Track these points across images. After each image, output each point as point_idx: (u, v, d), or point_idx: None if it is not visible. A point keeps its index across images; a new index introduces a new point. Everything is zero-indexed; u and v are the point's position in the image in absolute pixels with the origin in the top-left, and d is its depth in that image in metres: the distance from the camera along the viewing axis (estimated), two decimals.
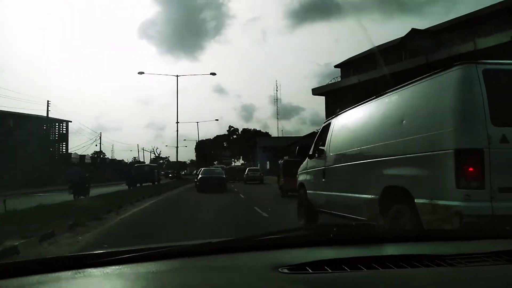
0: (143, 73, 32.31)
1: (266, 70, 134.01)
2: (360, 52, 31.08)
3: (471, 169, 3.28)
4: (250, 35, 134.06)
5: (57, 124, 41.76)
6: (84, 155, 44.14)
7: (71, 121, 43.33)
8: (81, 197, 15.68)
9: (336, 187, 5.78)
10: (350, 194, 5.23)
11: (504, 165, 3.27)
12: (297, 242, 1.33)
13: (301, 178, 7.60)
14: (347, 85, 26.59)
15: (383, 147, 4.43)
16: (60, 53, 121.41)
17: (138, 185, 27.49)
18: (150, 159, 76.56)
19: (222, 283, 0.94)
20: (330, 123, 6.40)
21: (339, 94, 26.33)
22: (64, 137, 43.05)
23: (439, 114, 3.59)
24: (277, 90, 78.30)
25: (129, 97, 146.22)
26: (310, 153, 6.96)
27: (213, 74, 34.55)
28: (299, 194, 7.72)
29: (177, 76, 33.66)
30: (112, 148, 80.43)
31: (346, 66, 32.58)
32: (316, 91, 32.85)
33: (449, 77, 3.57)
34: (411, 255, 1.13)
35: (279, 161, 20.31)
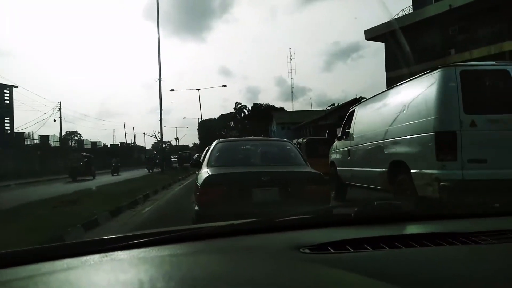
0: None
1: (272, 50, 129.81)
2: None
3: (447, 146, 4.44)
4: (258, 13, 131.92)
5: None
6: (22, 132, 31.39)
7: (17, 86, 30.78)
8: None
9: (358, 163, 7.01)
10: (368, 169, 6.45)
11: (473, 143, 4.39)
12: (318, 222, 1.33)
13: (332, 157, 8.85)
14: (426, 18, 19.59)
15: (391, 130, 5.61)
16: (62, 35, 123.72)
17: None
18: (152, 144, 68.84)
19: (243, 264, 0.94)
20: (354, 110, 7.58)
21: (409, 35, 19.15)
22: (7, 110, 30.36)
23: (427, 105, 4.73)
24: (291, 59, 71.24)
25: (134, 81, 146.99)
26: (339, 135, 8.18)
27: None
28: (331, 171, 8.99)
29: None
30: (113, 133, 79.09)
31: None
32: (371, 34, 23.84)
33: (434, 77, 4.69)
34: (434, 233, 1.11)
35: (298, 140, 14.12)
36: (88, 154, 26.29)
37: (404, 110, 5.29)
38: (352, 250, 0.99)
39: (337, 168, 8.31)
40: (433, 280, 0.80)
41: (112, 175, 25.50)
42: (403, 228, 1.24)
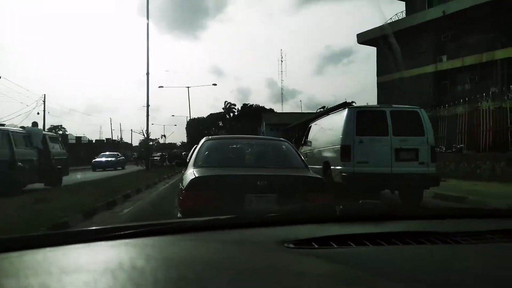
0: None
1: (265, 51, 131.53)
2: None
3: (346, 153, 7.78)
4: (252, 14, 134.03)
5: None
6: (2, 124, 24.52)
7: None
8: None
9: (310, 163, 10.34)
10: (314, 166, 9.80)
11: (360, 152, 7.72)
12: (303, 219, 1.36)
13: None
14: (419, 23, 20.57)
15: (324, 142, 8.98)
16: (54, 31, 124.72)
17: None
18: (139, 141, 66.70)
19: (227, 256, 0.95)
20: (311, 125, 10.96)
21: (402, 40, 19.72)
22: None
23: (339, 129, 8.08)
24: (282, 61, 72.71)
25: (124, 77, 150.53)
26: (302, 143, 11.55)
27: None
28: None
29: None
30: (100, 129, 74.61)
31: None
32: (363, 38, 24.78)
33: (343, 112, 8.05)
34: (417, 232, 1.15)
35: None
36: None
37: (330, 129, 8.66)
38: (335, 246, 1.02)
39: None
40: (414, 277, 0.83)
41: None
42: (386, 226, 1.25)
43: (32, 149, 12.04)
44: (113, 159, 31.73)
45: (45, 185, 12.72)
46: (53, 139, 14.14)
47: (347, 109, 8.03)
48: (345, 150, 7.79)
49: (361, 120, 7.81)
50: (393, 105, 8.16)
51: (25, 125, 14.39)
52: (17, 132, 11.93)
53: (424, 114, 7.89)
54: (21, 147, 11.39)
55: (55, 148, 13.77)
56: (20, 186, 11.26)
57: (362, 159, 7.73)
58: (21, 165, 11.00)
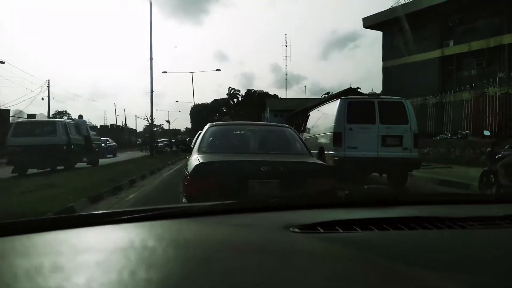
0: None
1: (269, 36, 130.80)
2: None
3: (337, 139, 8.65)
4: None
5: None
6: (8, 110, 27.15)
7: (3, 62, 27.82)
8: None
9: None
10: (311, 151, 10.71)
11: (350, 138, 8.57)
12: (309, 204, 1.37)
13: None
14: (426, 7, 20.26)
15: (319, 129, 9.86)
16: (57, 17, 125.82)
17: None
18: (144, 127, 63.54)
19: (233, 238, 0.96)
20: (309, 114, 11.81)
21: (408, 24, 19.75)
22: None
23: (332, 117, 8.94)
24: (286, 46, 74.02)
25: (128, 63, 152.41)
26: (302, 129, 12.42)
27: None
28: None
29: None
30: (105, 114, 76.38)
31: None
32: (369, 22, 24.25)
33: (336, 103, 8.89)
34: (423, 217, 1.14)
35: None
36: None
37: (325, 118, 9.53)
38: (341, 231, 1.02)
39: None
40: (419, 261, 0.82)
41: None
42: (392, 212, 1.24)
43: (80, 136, 15.40)
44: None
45: (87, 164, 16.19)
46: (92, 128, 18.15)
47: (339, 99, 8.86)
48: (337, 136, 8.66)
49: (351, 110, 8.65)
50: (381, 96, 8.97)
51: (32, 111, 16.70)
52: (70, 123, 15.44)
53: (408, 105, 8.69)
54: (73, 134, 14.75)
55: (93, 135, 17.42)
56: (74, 164, 14.72)
57: (352, 145, 8.60)
58: (74, 148, 14.56)
